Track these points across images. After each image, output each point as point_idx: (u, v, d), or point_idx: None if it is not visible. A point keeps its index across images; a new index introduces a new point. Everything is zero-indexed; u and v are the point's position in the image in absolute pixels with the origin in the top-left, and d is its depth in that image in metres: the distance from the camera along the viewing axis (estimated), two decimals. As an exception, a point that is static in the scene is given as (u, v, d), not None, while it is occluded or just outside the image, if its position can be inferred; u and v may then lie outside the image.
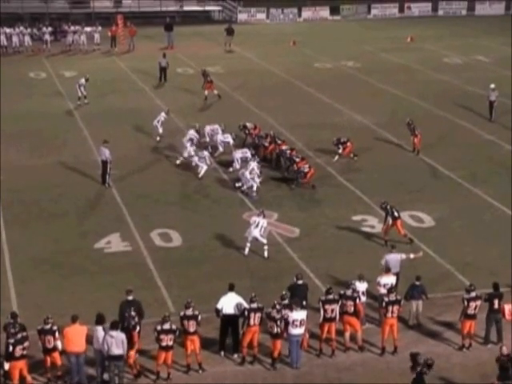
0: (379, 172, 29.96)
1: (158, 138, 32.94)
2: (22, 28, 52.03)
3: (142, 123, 34.86)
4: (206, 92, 38.53)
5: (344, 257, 23.20)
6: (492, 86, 35.89)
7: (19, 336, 16.88)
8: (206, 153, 29.51)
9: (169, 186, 28.65)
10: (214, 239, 24.23)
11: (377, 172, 29.97)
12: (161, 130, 32.96)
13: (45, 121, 35.92)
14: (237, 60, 49.47)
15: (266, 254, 23.03)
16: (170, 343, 17.48)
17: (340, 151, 30.69)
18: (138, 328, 17.67)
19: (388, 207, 23.88)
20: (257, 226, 23.03)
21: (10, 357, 16.75)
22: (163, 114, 33.39)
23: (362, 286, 19.33)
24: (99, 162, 28.80)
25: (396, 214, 23.76)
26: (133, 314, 17.71)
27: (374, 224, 25.25)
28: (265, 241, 23.12)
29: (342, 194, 27.94)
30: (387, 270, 20.12)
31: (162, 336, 17.43)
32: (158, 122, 33.06)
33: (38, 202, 27.00)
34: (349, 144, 30.74)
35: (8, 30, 51.55)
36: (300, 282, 19.45)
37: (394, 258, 20.72)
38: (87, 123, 35.53)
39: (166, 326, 17.48)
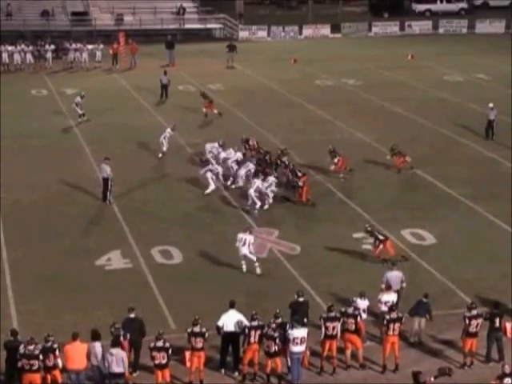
0: (380, 189, 30.00)
1: (160, 155, 32.96)
2: (23, 46, 52.19)
3: (144, 140, 34.95)
4: (204, 110, 38.56)
5: (345, 274, 23.19)
6: (491, 105, 35.95)
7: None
8: (219, 168, 29.56)
9: (170, 202, 28.69)
10: (215, 256, 24.23)
11: (377, 189, 30.01)
12: (166, 147, 32.91)
13: (46, 138, 36.01)
14: (238, 77, 49.63)
15: (258, 270, 22.96)
16: (164, 361, 17.42)
17: (336, 161, 30.62)
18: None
19: (372, 230, 23.90)
20: (244, 243, 22.92)
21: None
22: (169, 130, 33.32)
23: (363, 304, 19.31)
24: (100, 179, 28.84)
25: (381, 236, 23.70)
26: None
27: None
28: (254, 258, 23.06)
29: (343, 212, 27.96)
30: (387, 288, 20.12)
31: (154, 353, 17.40)
32: (164, 138, 32.99)
33: (39, 220, 27.01)
34: (341, 159, 30.68)
35: (10, 48, 51.72)
36: (301, 299, 19.45)
37: (395, 276, 20.70)
38: (88, 141, 35.61)
39: (159, 344, 17.45)
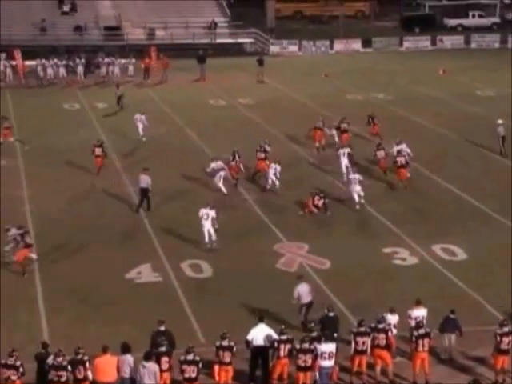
0: (410, 203, 29.88)
1: (144, 138, 37.26)
2: (56, 60, 52.81)
3: (173, 154, 35.10)
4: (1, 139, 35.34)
5: (375, 289, 23.07)
6: (499, 121, 35.58)
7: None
8: (222, 173, 30.51)
9: (194, 214, 28.50)
10: (244, 270, 24.22)
11: (407, 203, 29.89)
12: (141, 130, 37.21)
13: (76, 151, 36.23)
14: (268, 91, 49.71)
15: (214, 237, 25.06)
16: (194, 375, 17.39)
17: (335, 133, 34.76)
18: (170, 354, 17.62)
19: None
20: (207, 218, 24.73)
21: None
22: (139, 115, 37.59)
23: (393, 319, 19.20)
24: (137, 190, 29.07)
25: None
26: (163, 341, 17.73)
27: (405, 256, 25.15)
28: (214, 236, 25.01)
29: (373, 225, 27.87)
30: (299, 299, 20.30)
31: (184, 367, 17.39)
32: (140, 122, 37.28)
33: (69, 232, 27.18)
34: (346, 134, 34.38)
35: (43, 62, 52.31)
36: (331, 314, 19.37)
37: (304, 288, 20.67)
38: (119, 154, 35.81)
39: (190, 357, 17.46)
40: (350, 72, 56.04)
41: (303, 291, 20.69)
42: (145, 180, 28.63)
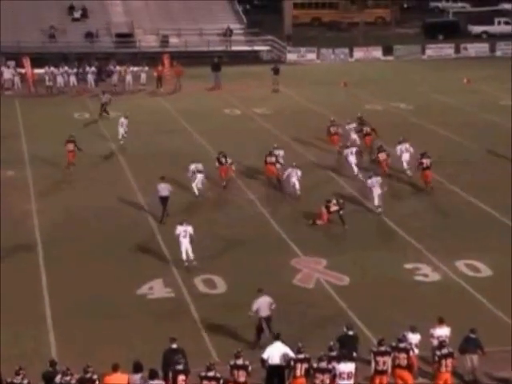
0: (431, 217, 29.83)
1: (122, 141, 38.56)
2: (66, 68, 53.05)
3: (186, 164, 35.09)
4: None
5: (396, 306, 22.96)
6: None
7: None
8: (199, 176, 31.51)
9: (211, 228, 28.77)
10: (260, 286, 24.05)
11: (428, 217, 29.84)
12: (122, 131, 38.46)
13: (85, 161, 36.41)
14: (285, 101, 49.78)
15: (192, 256, 25.00)
16: None
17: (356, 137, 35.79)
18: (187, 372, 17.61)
19: None
20: (185, 235, 24.86)
21: None
22: (122, 119, 38.82)
23: (414, 338, 19.10)
24: (158, 200, 29.25)
25: None
26: (180, 359, 17.72)
27: (427, 273, 25.05)
28: (191, 255, 25.00)
29: (393, 240, 27.81)
30: (257, 312, 20.36)
31: (204, 383, 17.38)
32: (121, 125, 38.56)
33: (78, 246, 27.24)
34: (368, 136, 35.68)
35: (53, 70, 52.57)
36: (350, 332, 19.29)
37: (263, 301, 20.65)
38: (130, 165, 35.94)
39: (211, 374, 17.44)
40: (369, 81, 56.05)
41: (263, 304, 20.65)
42: (165, 188, 29.06)
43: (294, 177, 31.26)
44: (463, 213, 30.21)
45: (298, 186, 31.24)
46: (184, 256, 25.18)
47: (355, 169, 33.27)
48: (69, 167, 34.99)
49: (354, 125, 37.81)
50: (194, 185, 31.44)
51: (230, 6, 70.42)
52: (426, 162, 31.90)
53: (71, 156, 35.21)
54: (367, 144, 36.32)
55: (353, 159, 33.47)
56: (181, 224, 25.37)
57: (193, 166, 31.74)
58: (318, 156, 36.87)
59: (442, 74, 58.11)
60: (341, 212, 28.56)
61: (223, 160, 32.69)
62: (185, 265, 25.23)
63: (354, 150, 33.84)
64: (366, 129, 37.10)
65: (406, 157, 33.54)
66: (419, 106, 47.58)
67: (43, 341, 21.09)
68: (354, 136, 36.84)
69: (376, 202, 29.53)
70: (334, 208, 28.58)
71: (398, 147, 33.84)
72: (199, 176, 31.47)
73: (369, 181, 30.03)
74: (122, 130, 38.86)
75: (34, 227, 28.93)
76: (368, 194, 30.25)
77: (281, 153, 33.58)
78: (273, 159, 32.64)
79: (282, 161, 33.02)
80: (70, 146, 35.26)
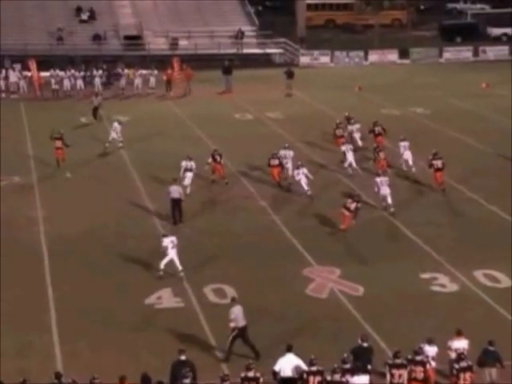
0: (449, 225, 29.78)
1: (107, 144, 38.76)
2: (73, 71, 53.20)
3: (196, 171, 35.14)
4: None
5: (412, 318, 22.92)
6: None
7: None
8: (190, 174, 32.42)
9: (220, 236, 28.80)
10: (271, 296, 24.18)
11: (446, 225, 29.79)
12: (114, 135, 38.76)
13: (92, 167, 36.55)
14: (298, 105, 49.79)
15: (180, 267, 24.99)
16: None
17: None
18: None
19: None
20: (173, 246, 24.94)
21: None
22: (116, 124, 39.13)
23: (431, 350, 19.04)
24: (169, 201, 29.56)
25: None
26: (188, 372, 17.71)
27: (444, 283, 24.99)
28: (179, 266, 24.89)
29: (409, 249, 27.75)
30: (235, 321, 20.24)
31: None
32: (113, 131, 38.80)
33: (85, 254, 27.29)
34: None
35: (59, 73, 52.71)
36: (365, 344, 19.23)
37: (240, 311, 20.62)
38: (139, 171, 35.99)
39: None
40: (385, 85, 56.00)
41: (239, 314, 20.65)
42: (176, 190, 29.42)
43: (303, 178, 32.00)
44: (482, 221, 30.12)
45: (306, 186, 31.96)
46: (162, 266, 25.22)
47: (354, 165, 34.82)
48: (59, 165, 36.08)
49: (357, 126, 39.26)
50: (183, 183, 31.99)
51: (241, 7, 70.50)
52: (437, 163, 32.71)
53: (59, 153, 36.27)
54: (379, 144, 36.97)
55: (350, 156, 34.86)
56: (166, 236, 25.49)
57: (184, 163, 32.64)
58: (332, 161, 36.78)
59: (459, 78, 58.01)
60: (359, 205, 28.71)
61: (218, 158, 33.72)
62: (159, 274, 25.23)
63: (351, 146, 35.53)
64: (378, 129, 38.31)
65: (407, 155, 35.08)
66: (436, 111, 47.51)
67: (49, 353, 21.11)
68: (356, 135, 38.67)
69: (389, 200, 30.34)
70: (352, 206, 28.57)
71: (401, 144, 35.50)
72: (189, 174, 32.31)
73: (377, 179, 30.82)
74: (113, 135, 39.26)
75: (39, 234, 28.99)
76: (377, 194, 30.79)
77: (290, 153, 34.39)
78: (276, 162, 33.38)
79: (290, 162, 33.85)
80: (58, 143, 36.25)
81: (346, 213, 28.66)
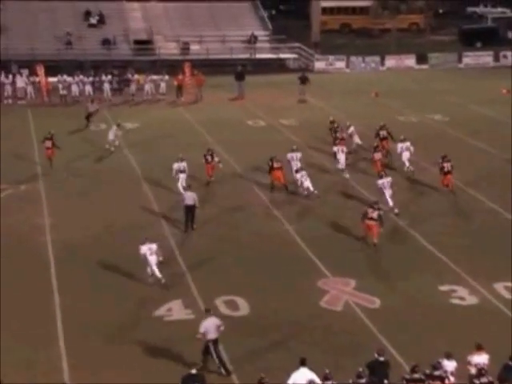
0: (468, 236, 29.67)
1: (109, 147, 40.12)
2: (81, 76, 53.36)
3: (205, 177, 35.24)
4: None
5: (430, 331, 22.84)
6: None
7: None
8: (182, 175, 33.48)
9: (232, 246, 28.80)
10: (285, 308, 24.14)
11: (466, 236, 29.68)
12: (112, 137, 39.99)
13: (104, 177, 36.58)
14: (312, 112, 49.79)
15: (163, 280, 25.18)
16: None
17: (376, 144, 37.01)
18: None
19: None
20: (151, 253, 25.23)
21: None
22: (115, 128, 40.51)
23: (450, 365, 18.97)
24: (183, 208, 29.82)
25: None
26: None
27: (464, 295, 24.91)
28: (158, 274, 25.19)
29: (427, 260, 27.67)
30: (205, 334, 20.28)
31: None
32: (111, 133, 40.05)
33: (93, 263, 27.30)
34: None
35: (67, 79, 52.87)
36: (381, 358, 19.17)
37: (211, 323, 20.59)
38: (148, 178, 36.03)
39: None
40: (402, 91, 55.99)
41: (211, 326, 20.62)
42: (191, 197, 29.70)
43: (306, 180, 33.09)
44: (502, 232, 29.98)
45: (310, 187, 33.09)
46: (150, 271, 25.60)
47: (342, 165, 36.04)
48: (51, 165, 37.41)
49: (352, 128, 40.18)
50: (178, 185, 32.99)
51: (254, 11, 70.70)
52: (446, 165, 33.37)
53: (49, 153, 37.64)
54: (384, 148, 37.98)
55: (341, 156, 36.07)
56: (143, 243, 25.58)
57: (176, 165, 33.59)
58: (348, 170, 36.75)
59: (479, 84, 57.93)
60: (381, 212, 28.70)
61: (209, 158, 34.88)
62: (149, 281, 25.57)
63: (343, 148, 36.57)
64: (383, 133, 39.00)
65: (406, 155, 36.28)
66: (455, 118, 47.44)
67: (55, 365, 21.12)
68: (357, 140, 39.79)
69: (390, 203, 31.10)
70: (375, 214, 28.50)
71: (399, 145, 36.58)
72: (182, 176, 33.30)
73: (379, 181, 31.57)
74: (111, 136, 40.33)
75: (46, 244, 29.06)
76: (379, 195, 31.22)
77: (298, 155, 35.33)
78: (279, 164, 34.08)
79: (298, 163, 34.64)
80: (48, 143, 37.75)
81: (372, 223, 28.54)
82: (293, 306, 24.26)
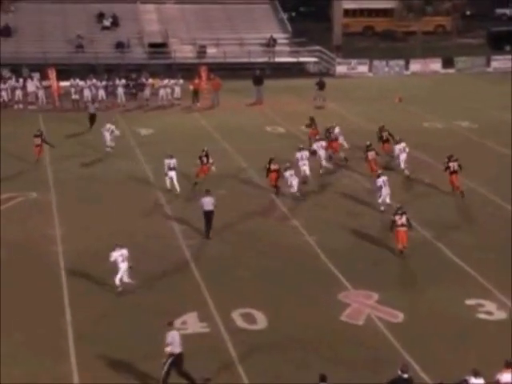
0: (497, 248, 29.52)
1: (109, 149, 41.30)
2: (94, 80, 53.52)
3: (222, 187, 35.27)
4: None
5: (456, 347, 22.78)
6: None
7: None
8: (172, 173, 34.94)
9: (250, 257, 28.81)
10: (304, 322, 24.13)
11: (494, 248, 29.53)
12: (109, 139, 41.24)
13: (117, 185, 36.69)
14: (333, 118, 49.42)
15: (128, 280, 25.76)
16: None
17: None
18: None
19: None
20: (123, 259, 25.69)
21: None
22: (109, 125, 41.65)
23: (477, 383, 18.91)
24: (202, 214, 30.18)
25: None
26: None
27: (492, 310, 24.81)
28: (127, 279, 25.72)
29: (452, 272, 27.59)
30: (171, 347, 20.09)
31: None
32: (107, 131, 41.39)
33: (105, 275, 27.21)
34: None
35: (80, 83, 53.03)
36: (405, 375, 19.11)
37: (178, 336, 20.47)
38: (162, 186, 36.08)
39: None
40: (427, 96, 55.94)
41: (176, 339, 20.53)
42: (209, 202, 30.11)
43: (294, 180, 34.24)
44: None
45: (295, 188, 34.21)
46: (126, 279, 25.92)
47: (324, 162, 37.70)
48: (37, 161, 39.08)
49: (337, 129, 41.18)
50: (167, 180, 34.85)
51: (273, 13, 70.83)
52: (452, 165, 34.28)
53: (38, 151, 39.40)
54: (386, 150, 39.29)
55: (322, 153, 37.83)
56: (114, 250, 25.91)
57: (166, 162, 34.86)
58: (370, 179, 36.74)
59: (509, 89, 57.73)
60: (407, 215, 28.74)
61: (204, 159, 35.60)
62: (118, 290, 25.83)
63: (323, 143, 38.41)
64: (385, 134, 40.03)
65: (403, 157, 37.45)
66: (484, 125, 47.33)
67: (67, 379, 21.16)
68: (343, 143, 41.01)
69: (387, 200, 32.43)
70: (403, 220, 28.49)
71: (396, 147, 37.86)
72: (171, 173, 34.72)
73: (378, 180, 32.72)
74: (107, 136, 41.54)
75: (58, 254, 29.15)
76: (376, 193, 32.71)
77: (306, 154, 36.29)
78: (276, 166, 34.67)
79: (307, 163, 35.82)
80: (37, 141, 39.47)
81: (403, 229, 28.53)
82: (312, 319, 24.25)
